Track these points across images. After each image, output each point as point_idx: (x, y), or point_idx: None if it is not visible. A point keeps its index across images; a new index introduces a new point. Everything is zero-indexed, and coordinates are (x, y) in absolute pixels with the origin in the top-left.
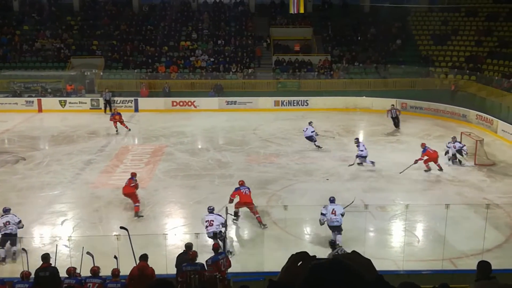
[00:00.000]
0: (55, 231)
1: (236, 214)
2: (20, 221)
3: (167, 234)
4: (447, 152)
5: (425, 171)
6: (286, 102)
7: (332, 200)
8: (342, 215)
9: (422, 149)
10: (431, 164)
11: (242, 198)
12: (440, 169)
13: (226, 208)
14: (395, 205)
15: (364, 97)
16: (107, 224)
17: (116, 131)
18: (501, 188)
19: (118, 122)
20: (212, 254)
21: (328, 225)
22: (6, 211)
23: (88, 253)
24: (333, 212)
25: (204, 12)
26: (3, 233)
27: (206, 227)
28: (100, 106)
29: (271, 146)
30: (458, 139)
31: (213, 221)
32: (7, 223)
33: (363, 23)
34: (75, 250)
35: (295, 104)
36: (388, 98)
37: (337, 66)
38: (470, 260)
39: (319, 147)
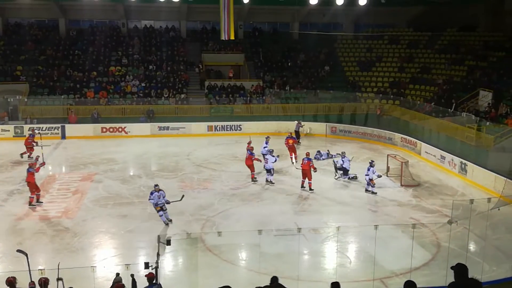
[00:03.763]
0: None
1: (168, 242)
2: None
3: (95, 266)
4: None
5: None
6: (219, 127)
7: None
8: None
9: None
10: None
11: (301, 166)
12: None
13: (158, 236)
14: (328, 227)
15: (296, 121)
16: (31, 257)
17: (25, 154)
18: (426, 208)
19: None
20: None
21: None
22: (156, 186)
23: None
24: (266, 160)
25: (134, 37)
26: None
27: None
28: (24, 134)
29: (205, 171)
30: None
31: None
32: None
33: (293, 50)
34: None
35: (228, 129)
36: (319, 122)
37: (269, 91)
38: (400, 279)
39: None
